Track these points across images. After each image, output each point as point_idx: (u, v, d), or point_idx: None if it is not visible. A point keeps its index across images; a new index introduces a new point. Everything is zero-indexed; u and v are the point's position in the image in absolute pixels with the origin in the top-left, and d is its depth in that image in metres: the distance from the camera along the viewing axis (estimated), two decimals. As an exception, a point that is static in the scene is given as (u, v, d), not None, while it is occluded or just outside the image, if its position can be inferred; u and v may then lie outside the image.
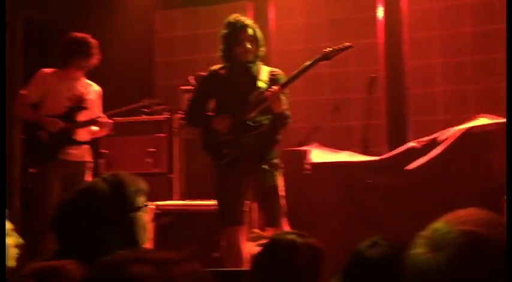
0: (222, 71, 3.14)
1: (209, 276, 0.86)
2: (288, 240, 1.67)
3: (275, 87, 2.96)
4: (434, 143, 3.35)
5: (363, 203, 3.58)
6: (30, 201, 3.83)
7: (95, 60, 3.75)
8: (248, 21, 3.11)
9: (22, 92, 3.74)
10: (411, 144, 3.54)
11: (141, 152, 4.76)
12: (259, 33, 3.11)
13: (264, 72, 3.14)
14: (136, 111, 3.91)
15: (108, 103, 4.01)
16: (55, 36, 4.42)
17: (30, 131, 3.67)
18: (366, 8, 5.32)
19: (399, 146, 4.51)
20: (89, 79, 3.90)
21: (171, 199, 4.55)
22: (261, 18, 5.60)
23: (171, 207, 4.16)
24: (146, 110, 3.92)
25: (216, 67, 3.19)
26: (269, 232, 3.15)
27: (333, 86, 5.32)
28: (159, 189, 4.59)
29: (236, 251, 3.08)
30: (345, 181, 3.66)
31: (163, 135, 4.77)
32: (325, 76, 5.30)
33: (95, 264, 1.47)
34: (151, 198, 4.14)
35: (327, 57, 3.09)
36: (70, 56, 3.70)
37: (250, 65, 3.09)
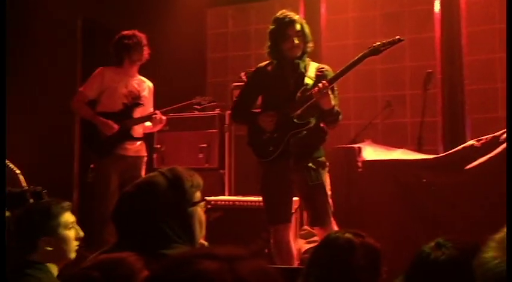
0: (269, 68, 3.11)
1: (275, 273, 0.85)
2: (345, 239, 1.64)
3: (322, 83, 2.89)
4: (495, 142, 3.19)
5: (419, 202, 3.47)
6: (90, 195, 3.96)
7: (145, 53, 3.83)
8: (296, 16, 3.06)
9: (80, 89, 3.87)
10: (471, 142, 3.39)
11: (193, 147, 4.83)
12: (307, 29, 3.06)
13: (312, 69, 3.07)
14: (187, 108, 3.97)
15: (161, 99, 4.09)
16: (111, 35, 4.56)
17: (89, 127, 3.79)
18: (421, 1, 5.15)
19: (455, 144, 4.34)
20: (142, 75, 3.99)
21: (222, 194, 4.59)
22: (312, 14, 5.55)
23: (222, 202, 4.19)
24: (198, 107, 3.97)
25: (263, 64, 3.17)
26: (316, 231, 3.10)
27: (386, 82, 5.20)
28: (210, 185, 4.64)
29: (285, 249, 3.06)
30: (400, 179, 3.55)
31: (214, 131, 4.83)
32: (377, 72, 5.18)
33: (161, 260, 1.50)
34: (203, 193, 4.23)
35: (375, 52, 2.98)
36: (122, 52, 3.80)
37: (298, 61, 3.05)
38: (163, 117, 3.78)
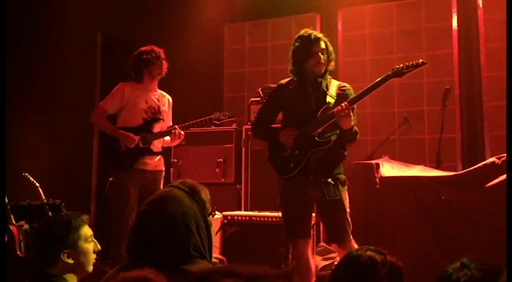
0: (291, 85, 3.10)
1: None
2: (367, 257, 1.61)
3: (343, 104, 2.89)
4: (516, 159, 3.14)
5: (438, 219, 3.42)
6: (108, 208, 3.98)
7: (165, 67, 3.87)
8: (320, 34, 3.08)
9: (100, 104, 3.90)
10: (491, 159, 3.35)
11: (210, 162, 4.85)
12: (330, 47, 3.08)
13: (333, 87, 3.07)
14: (206, 124, 3.99)
15: (178, 113, 4.12)
16: (131, 50, 4.62)
17: (108, 141, 3.82)
18: (439, 17, 5.16)
19: (474, 161, 4.30)
20: (161, 89, 4.02)
21: (238, 209, 4.59)
22: (328, 30, 5.58)
23: (238, 217, 4.18)
24: (216, 122, 3.98)
25: (284, 81, 3.17)
26: (334, 248, 3.07)
27: (404, 98, 5.18)
28: (227, 199, 4.65)
29: (304, 264, 3.02)
30: (419, 196, 3.51)
31: (231, 145, 4.85)
32: (395, 88, 5.18)
33: (183, 276, 1.49)
34: (219, 207, 4.23)
35: (398, 74, 2.95)
36: (141, 68, 3.83)
37: (320, 79, 3.05)
38: (182, 132, 3.80)
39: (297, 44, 3.04)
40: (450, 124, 4.74)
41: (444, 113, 4.22)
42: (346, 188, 3.04)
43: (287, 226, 3.07)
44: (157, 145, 3.86)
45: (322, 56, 2.99)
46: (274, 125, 3.22)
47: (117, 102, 3.82)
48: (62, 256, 2.01)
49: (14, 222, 3.62)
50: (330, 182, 2.94)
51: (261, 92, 4.91)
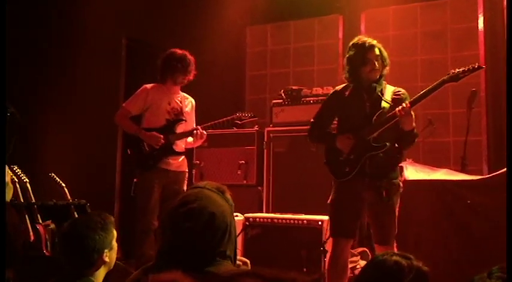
0: (346, 91, 3.18)
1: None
2: (394, 261, 1.60)
3: (405, 104, 2.97)
4: (544, 163, 3.07)
5: (463, 223, 3.37)
6: (131, 208, 4.03)
7: (191, 76, 3.89)
8: (374, 41, 3.16)
9: (124, 104, 3.95)
10: (519, 163, 3.28)
11: (232, 163, 4.87)
12: (384, 53, 3.16)
13: (388, 92, 3.15)
14: (229, 124, 4.01)
15: (201, 115, 4.15)
16: (154, 52, 4.65)
17: (132, 142, 3.87)
18: (465, 18, 5.07)
19: (500, 164, 4.21)
20: (184, 91, 4.05)
21: (259, 211, 4.59)
22: (351, 32, 5.54)
23: (260, 219, 4.18)
24: (238, 122, 4.00)
25: (339, 87, 3.27)
26: (378, 249, 3.09)
27: (428, 100, 5.09)
28: (248, 201, 4.66)
29: (341, 264, 3.10)
30: (443, 200, 3.47)
31: (253, 147, 4.85)
32: (419, 90, 5.08)
33: (210, 278, 1.49)
34: (241, 209, 4.23)
35: (455, 78, 3.01)
36: (169, 72, 3.86)
37: (375, 84, 3.12)
38: (204, 133, 3.82)
39: (351, 52, 3.13)
40: (476, 127, 4.66)
41: (470, 116, 4.15)
42: (399, 192, 3.10)
43: (334, 225, 3.15)
44: (180, 145, 3.89)
45: (376, 63, 3.07)
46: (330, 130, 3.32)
47: (140, 104, 3.87)
48: (103, 256, 2.07)
49: (40, 221, 3.70)
50: (384, 186, 3.02)
51: (283, 94, 4.91)
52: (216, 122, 3.88)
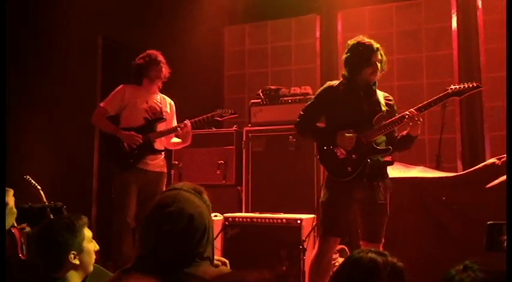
0: (342, 88, 3.18)
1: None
2: (369, 258, 1.62)
3: (413, 111, 3.03)
4: (516, 160, 3.15)
5: (439, 220, 3.44)
6: (109, 210, 3.99)
7: (164, 70, 3.89)
8: (378, 44, 3.19)
9: (101, 104, 3.92)
10: (492, 160, 3.36)
11: (211, 163, 4.87)
12: (384, 58, 3.19)
13: (381, 97, 3.21)
14: (209, 122, 4.01)
15: (181, 114, 4.13)
16: (131, 52, 4.61)
17: (110, 141, 3.84)
18: (439, 18, 5.16)
19: (474, 161, 4.31)
20: (162, 92, 4.04)
21: (239, 211, 4.60)
22: (328, 31, 5.59)
23: (239, 219, 4.19)
24: (219, 119, 4.00)
25: (334, 82, 3.24)
26: (363, 246, 3.13)
27: (403, 98, 5.18)
28: (227, 201, 4.66)
29: (325, 263, 3.13)
30: (419, 197, 3.53)
31: (232, 147, 4.86)
32: (394, 89, 5.18)
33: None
34: (220, 209, 4.23)
35: (458, 94, 3.12)
36: (139, 72, 3.87)
37: (374, 87, 3.17)
38: (189, 125, 3.81)
39: (356, 50, 3.14)
40: (450, 125, 4.75)
41: (444, 114, 4.22)
42: (389, 191, 3.15)
43: (325, 224, 3.13)
44: (159, 144, 3.88)
45: (379, 65, 3.12)
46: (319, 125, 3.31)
47: (117, 103, 3.85)
48: (69, 258, 2.03)
49: (15, 224, 3.63)
50: (380, 186, 3.08)
51: (261, 94, 4.92)
52: (197, 119, 3.87)
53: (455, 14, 5.07)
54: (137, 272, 1.63)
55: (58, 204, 4.01)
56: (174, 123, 4.01)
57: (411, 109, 3.05)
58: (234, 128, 4.93)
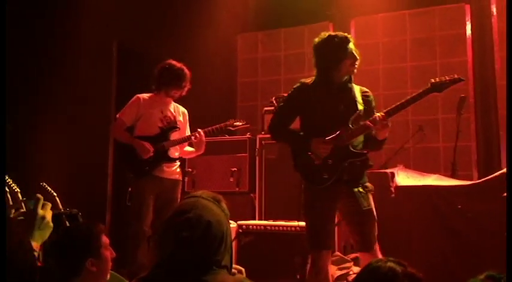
0: (315, 86, 2.96)
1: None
2: (388, 268, 1.60)
3: (380, 115, 2.82)
4: (533, 168, 3.12)
5: (454, 229, 3.40)
6: (124, 217, 4.01)
7: (185, 91, 3.91)
8: (349, 36, 2.98)
9: (118, 116, 3.94)
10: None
11: (224, 171, 4.87)
12: (357, 50, 2.96)
13: (358, 92, 2.98)
14: (222, 130, 4.02)
15: (194, 122, 4.16)
16: (146, 58, 4.65)
17: (126, 148, 3.86)
18: (453, 25, 5.14)
19: (490, 169, 4.27)
20: (176, 100, 4.06)
21: (252, 218, 4.59)
22: (341, 39, 5.59)
23: (253, 226, 4.19)
24: (231, 129, 4.01)
25: (308, 80, 3.02)
26: (361, 256, 3.05)
27: (418, 106, 5.11)
28: (241, 209, 4.66)
29: (324, 276, 2.96)
30: (434, 206, 3.49)
31: (245, 155, 4.86)
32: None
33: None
34: (234, 217, 4.23)
35: (438, 89, 2.87)
36: (164, 85, 3.85)
37: (350, 85, 2.95)
38: (203, 135, 3.81)
39: (332, 43, 2.90)
40: (465, 132, 4.71)
41: (459, 121, 4.20)
42: (372, 195, 2.99)
43: (312, 236, 2.95)
44: (174, 152, 3.90)
45: (357, 55, 2.91)
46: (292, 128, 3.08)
47: (133, 114, 3.88)
48: (87, 264, 2.04)
49: (32, 231, 3.66)
50: (362, 192, 2.90)
51: (274, 101, 4.93)
52: (209, 128, 3.88)
53: (469, 21, 5.05)
54: (154, 280, 1.63)
55: (73, 211, 4.03)
56: (187, 131, 4.03)
57: (380, 112, 2.84)
58: (248, 135, 4.94)
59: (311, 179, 2.97)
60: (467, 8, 5.07)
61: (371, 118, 2.85)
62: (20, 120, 4.36)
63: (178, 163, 3.97)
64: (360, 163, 2.94)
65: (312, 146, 2.91)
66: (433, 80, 2.89)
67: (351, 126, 2.91)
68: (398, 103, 2.88)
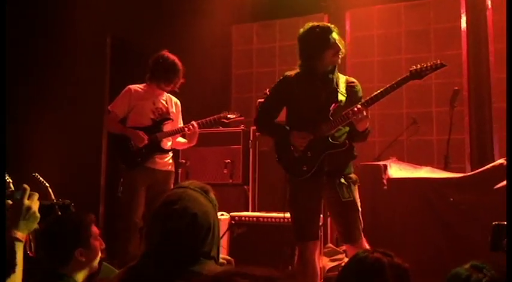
0: (299, 78, 2.95)
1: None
2: (374, 258, 1.62)
3: (358, 107, 2.78)
4: (525, 161, 3.13)
5: (447, 221, 3.42)
6: (116, 208, 4.02)
7: (178, 84, 3.89)
8: (332, 26, 2.97)
9: (110, 108, 3.92)
10: (500, 161, 3.34)
11: (218, 163, 4.87)
12: (341, 40, 2.95)
13: (342, 83, 2.95)
14: (216, 122, 4.01)
15: (188, 113, 4.15)
16: (139, 51, 4.62)
17: (118, 139, 3.85)
18: (448, 18, 5.14)
19: (483, 162, 4.28)
20: (170, 91, 4.04)
21: (245, 210, 4.60)
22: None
23: (246, 218, 4.20)
24: (225, 121, 4.00)
25: (291, 73, 3.01)
26: (346, 248, 3.05)
27: (412, 99, 5.16)
28: (234, 200, 4.67)
29: (311, 267, 2.96)
30: (427, 198, 3.51)
31: (239, 146, 4.86)
32: (403, 89, 5.10)
33: (195, 279, 1.50)
34: (227, 208, 4.23)
35: (417, 76, 2.83)
36: (156, 77, 3.84)
37: (332, 76, 2.92)
38: (196, 127, 3.80)
39: (313, 34, 2.89)
40: (459, 125, 4.72)
41: (453, 114, 4.21)
42: (357, 186, 2.98)
43: (297, 228, 2.98)
44: (166, 143, 3.90)
45: (340, 45, 2.89)
46: (278, 121, 3.08)
47: (125, 106, 3.87)
48: (76, 254, 2.05)
49: (24, 221, 3.66)
50: (343, 183, 2.89)
51: (268, 93, 4.91)
52: (203, 120, 3.87)
53: (464, 13, 5.05)
54: (143, 270, 1.64)
55: (66, 201, 4.02)
56: (180, 122, 4.02)
57: (359, 103, 2.81)
58: (241, 127, 4.93)
59: (291, 171, 2.99)
60: (463, 1, 5.07)
61: (349, 109, 2.83)
62: (13, 112, 4.34)
63: (170, 154, 3.96)
64: (342, 154, 2.92)
65: (291, 139, 2.93)
66: (413, 67, 2.85)
67: (330, 117, 2.89)
68: (377, 92, 2.84)
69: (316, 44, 2.88)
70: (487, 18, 4.90)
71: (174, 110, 4.00)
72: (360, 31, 5.50)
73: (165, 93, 3.99)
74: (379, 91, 2.84)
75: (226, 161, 4.84)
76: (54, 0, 4.93)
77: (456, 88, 4.33)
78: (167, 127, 3.89)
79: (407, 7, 5.35)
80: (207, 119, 3.88)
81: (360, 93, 3.01)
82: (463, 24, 5.04)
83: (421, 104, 5.07)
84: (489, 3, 4.90)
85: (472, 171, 4.28)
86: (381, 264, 1.60)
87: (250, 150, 4.77)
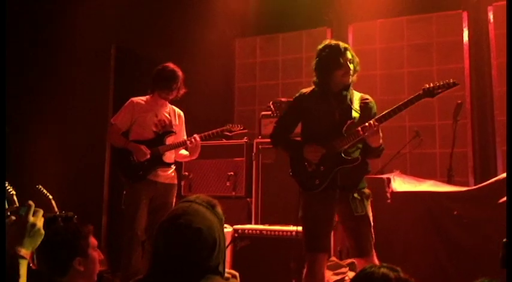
0: (314, 96, 3.04)
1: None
2: (381, 274, 1.62)
3: (371, 122, 2.84)
4: (529, 175, 3.13)
5: (450, 235, 3.41)
6: (119, 220, 4.01)
7: (179, 93, 3.91)
8: (347, 44, 3.05)
9: (113, 121, 3.93)
10: (503, 175, 3.34)
11: (221, 175, 4.87)
12: (356, 58, 3.03)
13: (356, 100, 3.03)
14: (219, 135, 4.02)
15: (191, 126, 4.16)
16: (144, 62, 4.64)
17: (121, 153, 3.86)
18: (450, 32, 5.17)
19: (486, 175, 4.28)
20: (173, 103, 4.06)
21: (248, 223, 4.59)
22: (339, 44, 5.60)
23: (249, 231, 4.18)
24: (228, 134, 4.01)
25: (306, 90, 3.11)
26: (356, 262, 3.05)
27: (414, 112, 5.14)
28: (237, 213, 4.66)
29: (319, 279, 2.99)
30: (431, 212, 3.50)
31: (242, 159, 4.86)
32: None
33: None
34: (230, 221, 4.22)
35: (430, 94, 2.86)
36: (157, 87, 3.87)
37: (346, 92, 2.99)
38: (199, 141, 3.81)
39: (324, 53, 3.00)
40: (462, 138, 4.73)
41: (456, 128, 4.21)
42: (370, 201, 3.03)
43: (309, 240, 3.01)
44: (169, 157, 3.90)
45: (350, 66, 2.96)
46: (294, 137, 3.18)
47: (128, 119, 3.88)
48: (74, 264, 2.04)
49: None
50: (356, 198, 2.94)
51: (272, 106, 4.93)
52: (206, 133, 3.88)
53: (466, 27, 5.08)
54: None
55: (69, 213, 4.02)
56: (183, 133, 4.03)
57: (372, 119, 2.87)
58: (245, 139, 4.94)
59: (304, 185, 3.05)
60: (465, 15, 5.10)
61: (361, 126, 2.88)
62: (17, 123, 4.36)
63: (173, 167, 3.96)
64: (355, 169, 2.97)
65: (304, 153, 3.00)
66: (426, 86, 2.89)
67: (344, 134, 2.95)
68: (390, 109, 2.89)
69: (326, 64, 2.98)
70: (489, 32, 4.93)
71: (177, 122, 4.01)
72: (363, 45, 5.53)
73: (169, 105, 4.01)
74: (391, 109, 2.89)
75: (229, 173, 4.84)
76: (59, 11, 4.97)
77: (459, 102, 4.34)
78: (170, 140, 3.90)
79: (409, 21, 5.39)
80: (210, 132, 3.89)
81: (374, 110, 3.08)
82: (465, 38, 5.07)
83: (424, 117, 5.08)
84: (491, 17, 4.93)
85: (475, 184, 4.29)
86: (388, 279, 1.60)
87: (254, 162, 4.77)
